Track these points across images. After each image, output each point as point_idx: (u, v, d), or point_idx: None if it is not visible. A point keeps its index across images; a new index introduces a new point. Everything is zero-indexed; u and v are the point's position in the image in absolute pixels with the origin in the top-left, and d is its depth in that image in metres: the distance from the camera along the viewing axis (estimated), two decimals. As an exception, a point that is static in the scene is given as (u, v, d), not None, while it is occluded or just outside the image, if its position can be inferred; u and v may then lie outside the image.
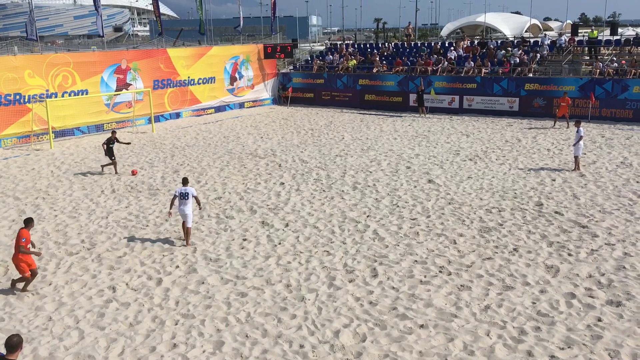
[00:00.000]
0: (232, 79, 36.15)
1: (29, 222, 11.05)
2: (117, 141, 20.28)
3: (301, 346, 8.89)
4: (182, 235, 13.45)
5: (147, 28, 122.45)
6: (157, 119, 30.97)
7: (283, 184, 18.31)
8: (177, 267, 12.00)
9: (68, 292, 10.97)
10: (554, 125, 26.88)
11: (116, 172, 20.04)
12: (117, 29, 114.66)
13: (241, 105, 36.68)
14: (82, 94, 28.02)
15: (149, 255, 12.68)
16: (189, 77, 33.43)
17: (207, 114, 34.45)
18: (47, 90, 26.60)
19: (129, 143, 22.44)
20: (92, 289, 11.05)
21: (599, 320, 9.36)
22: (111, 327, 9.61)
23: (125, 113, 30.14)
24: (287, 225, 14.44)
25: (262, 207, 15.95)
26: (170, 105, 32.72)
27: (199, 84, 34.06)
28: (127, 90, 30.08)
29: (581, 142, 18.77)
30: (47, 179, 19.56)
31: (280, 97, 38.44)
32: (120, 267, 12.04)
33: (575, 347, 8.62)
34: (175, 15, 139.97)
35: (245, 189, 17.86)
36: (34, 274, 10.95)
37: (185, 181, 13.41)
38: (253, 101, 37.39)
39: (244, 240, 13.48)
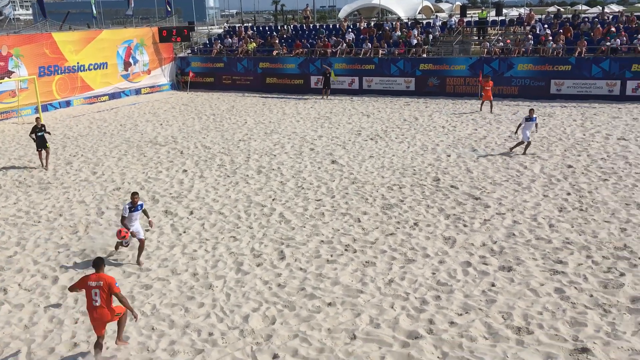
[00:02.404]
0: (126, 64, 34.60)
1: (102, 264, 8.20)
2: (45, 130, 18.39)
3: (210, 334, 8.79)
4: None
5: (30, 11, 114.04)
6: (45, 108, 29.06)
7: (186, 171, 17.88)
8: (75, 263, 11.42)
9: (-48, 298, 10.14)
10: (481, 109, 26.13)
11: (45, 166, 18.47)
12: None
13: (138, 92, 35.26)
14: (-43, 84, 25.75)
15: (43, 252, 11.96)
16: (78, 63, 31.60)
17: (101, 101, 32.79)
18: None
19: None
20: (-21, 293, 10.29)
21: (493, 285, 9.99)
22: (4, 331, 9.01)
23: (9, 103, 28.01)
24: (191, 213, 14.14)
25: (164, 195, 15.50)
26: (59, 93, 30.82)
27: (90, 69, 32.30)
28: (10, 78, 27.94)
29: (528, 130, 18.47)
30: None
31: (179, 82, 37.35)
32: (11, 267, 11.27)
33: (472, 312, 9.15)
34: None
35: (146, 178, 17.25)
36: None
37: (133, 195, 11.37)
38: (150, 87, 36.04)
39: (147, 230, 13.03)
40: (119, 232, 11.07)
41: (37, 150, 18.60)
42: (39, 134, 18.32)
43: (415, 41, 32.06)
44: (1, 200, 15.49)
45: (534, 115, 18.64)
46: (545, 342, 8.26)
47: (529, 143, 18.61)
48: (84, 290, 8.12)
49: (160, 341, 8.64)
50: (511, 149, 18.82)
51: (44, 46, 29.75)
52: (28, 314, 9.53)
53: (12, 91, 28.08)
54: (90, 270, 8.51)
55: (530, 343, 8.27)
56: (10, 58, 28.19)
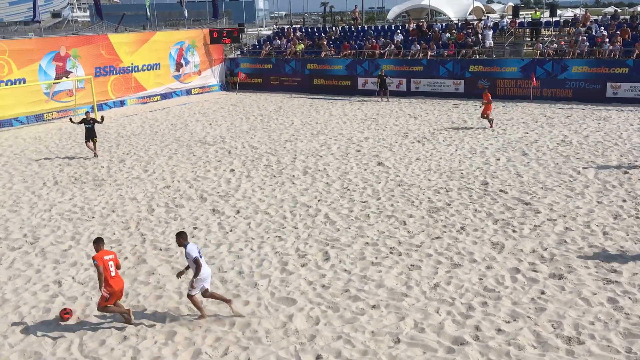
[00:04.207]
0: (178, 65, 35.41)
1: (102, 241, 9.44)
2: (95, 121, 19.96)
3: (255, 332, 8.88)
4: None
5: (87, 13, 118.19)
6: (101, 107, 30.02)
7: (233, 170, 18.14)
8: (126, 258, 11.75)
9: (11, 288, 10.59)
10: (491, 126, 22.97)
11: (95, 155, 20.21)
12: (56, 14, 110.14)
13: (188, 92, 36.01)
14: (19, 83, 26.87)
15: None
16: (132, 64, 32.54)
17: (153, 101, 33.66)
18: (-18, 80, 25.43)
19: (101, 119, 20.30)
20: (36, 284, 10.71)
21: (542, 293, 9.72)
22: (58, 323, 9.33)
23: (66, 102, 29.10)
24: (238, 212, 14.33)
25: (212, 194, 15.77)
26: (114, 93, 31.81)
27: (143, 70, 33.20)
28: (67, 78, 29.03)
29: None
30: (-15, 172, 18.74)
31: (229, 83, 37.94)
32: (66, 261, 11.70)
33: (520, 320, 8.93)
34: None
35: (195, 176, 17.60)
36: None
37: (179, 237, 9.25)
38: (200, 87, 36.75)
39: (195, 228, 13.31)
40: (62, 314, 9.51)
41: (85, 141, 20.19)
42: (87, 125, 19.80)
43: (489, 42, 31.33)
44: (57, 195, 16.10)
45: None
46: (597, 353, 7.98)
47: None
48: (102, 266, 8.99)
49: (206, 337, 8.78)
50: None
51: (100, 47, 30.76)
52: (81, 306, 9.86)
53: (69, 90, 29.16)
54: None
55: (581, 354, 8.01)
56: (69, 58, 29.29)
